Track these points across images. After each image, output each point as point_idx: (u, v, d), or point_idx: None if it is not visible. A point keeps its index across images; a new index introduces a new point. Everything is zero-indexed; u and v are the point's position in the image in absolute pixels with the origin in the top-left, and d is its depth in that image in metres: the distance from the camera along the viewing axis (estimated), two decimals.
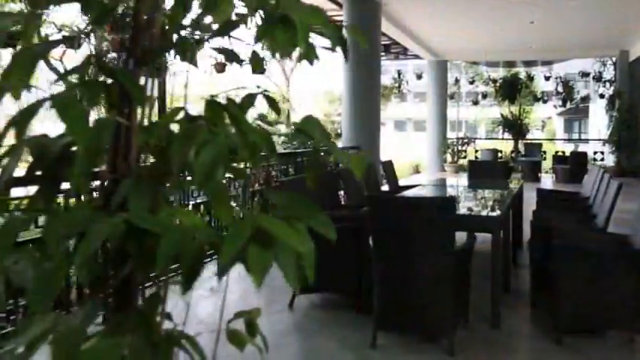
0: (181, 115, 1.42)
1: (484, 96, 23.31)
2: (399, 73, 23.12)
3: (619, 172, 16.90)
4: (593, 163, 17.34)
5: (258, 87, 1.69)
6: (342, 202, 7.40)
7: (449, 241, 4.22)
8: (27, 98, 1.29)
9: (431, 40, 17.46)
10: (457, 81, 23.56)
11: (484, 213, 5.76)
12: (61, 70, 1.37)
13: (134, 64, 1.43)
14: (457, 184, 8.25)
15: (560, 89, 22.02)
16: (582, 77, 22.74)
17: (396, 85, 23.12)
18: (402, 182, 9.11)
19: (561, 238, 4.79)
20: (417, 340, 4.49)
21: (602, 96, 21.23)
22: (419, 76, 22.41)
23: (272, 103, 1.68)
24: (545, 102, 22.49)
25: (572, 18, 14.29)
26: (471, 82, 24.02)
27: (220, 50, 1.67)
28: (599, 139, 21.22)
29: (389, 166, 8.80)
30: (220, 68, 6.31)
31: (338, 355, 4.30)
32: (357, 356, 4.27)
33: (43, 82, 1.44)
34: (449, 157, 20.46)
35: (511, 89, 19.65)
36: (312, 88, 35.64)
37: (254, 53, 1.76)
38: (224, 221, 1.33)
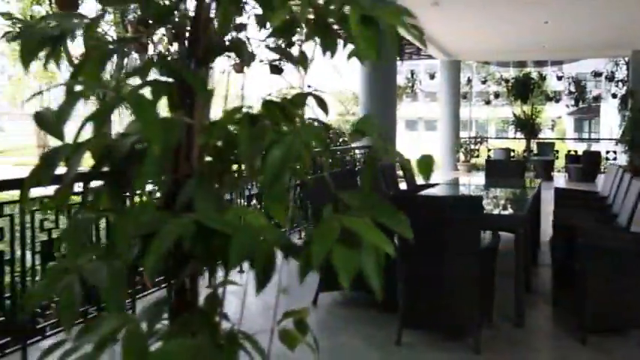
0: (239, 115, 1.41)
1: (496, 95, 23.27)
2: (412, 73, 23.11)
3: (632, 171, 16.69)
4: (609, 163, 17.22)
5: (309, 86, 1.69)
6: None
7: (475, 240, 4.21)
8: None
9: (444, 41, 17.40)
10: (469, 81, 23.53)
11: (507, 212, 5.75)
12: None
13: (195, 64, 1.44)
14: (474, 183, 8.24)
15: (572, 89, 21.97)
16: (595, 77, 22.70)
17: (410, 85, 23.09)
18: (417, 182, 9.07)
19: (585, 237, 4.77)
20: (443, 338, 4.48)
21: (614, 95, 21.14)
22: (432, 76, 22.41)
23: (321, 102, 1.67)
24: (557, 101, 22.46)
25: (586, 18, 14.21)
26: (484, 82, 24.00)
27: (276, 50, 1.67)
28: (612, 139, 21.11)
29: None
30: (239, 68, 6.32)
31: (363, 352, 4.30)
32: (382, 354, 4.26)
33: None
34: (462, 157, 20.41)
35: (524, 89, 19.55)
36: (323, 87, 35.61)
37: (302, 53, 1.75)
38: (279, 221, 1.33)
